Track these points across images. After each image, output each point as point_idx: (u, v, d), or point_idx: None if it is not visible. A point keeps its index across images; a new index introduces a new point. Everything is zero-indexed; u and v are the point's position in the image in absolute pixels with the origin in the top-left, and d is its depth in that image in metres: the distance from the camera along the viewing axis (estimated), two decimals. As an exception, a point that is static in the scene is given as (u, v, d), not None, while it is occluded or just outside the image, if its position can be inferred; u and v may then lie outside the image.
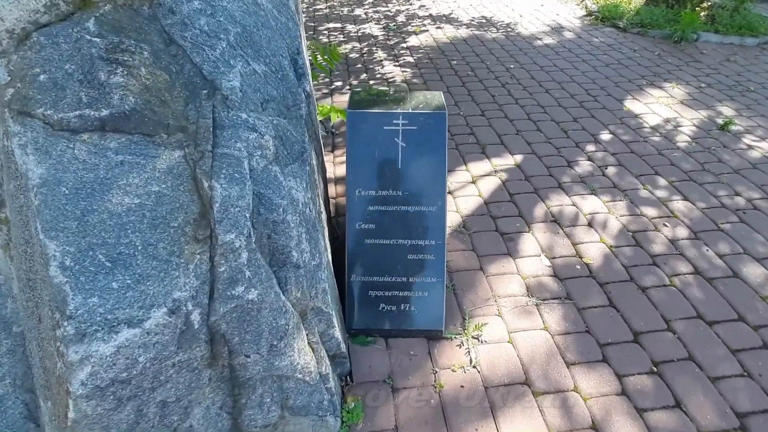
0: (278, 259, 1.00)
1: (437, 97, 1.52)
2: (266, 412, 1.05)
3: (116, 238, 0.80)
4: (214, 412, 0.98)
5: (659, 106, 3.00)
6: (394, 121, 1.41)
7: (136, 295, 0.78)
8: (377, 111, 1.41)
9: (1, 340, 1.04)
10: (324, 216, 1.34)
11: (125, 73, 0.90)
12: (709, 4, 4.49)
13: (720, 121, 2.82)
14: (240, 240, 0.85)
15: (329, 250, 1.34)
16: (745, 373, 1.42)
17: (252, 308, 0.90)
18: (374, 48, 3.96)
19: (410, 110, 1.41)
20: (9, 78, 0.90)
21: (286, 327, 0.98)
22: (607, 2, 4.80)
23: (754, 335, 1.54)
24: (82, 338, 0.74)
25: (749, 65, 3.69)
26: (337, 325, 1.21)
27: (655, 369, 1.43)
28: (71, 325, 0.74)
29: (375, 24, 4.57)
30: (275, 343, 0.97)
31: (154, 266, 0.80)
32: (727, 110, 2.98)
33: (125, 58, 0.92)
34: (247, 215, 0.87)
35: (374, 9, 5.03)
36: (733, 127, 2.76)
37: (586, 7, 4.92)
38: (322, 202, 1.34)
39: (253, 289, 0.88)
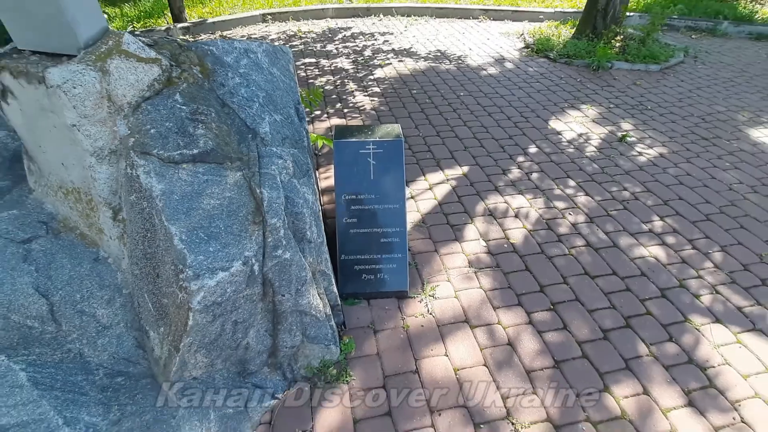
0: (298, 237, 1.59)
1: (396, 128, 2.16)
2: (293, 336, 1.63)
3: (208, 223, 1.38)
4: (262, 334, 1.55)
5: (575, 124, 3.79)
6: (367, 147, 2.05)
7: (224, 254, 1.36)
8: (355, 140, 2.04)
9: (116, 299, 1.58)
10: (320, 214, 1.94)
11: (203, 127, 1.49)
12: (622, 36, 5.45)
13: (620, 134, 3.63)
14: (279, 223, 1.45)
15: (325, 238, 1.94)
16: (611, 306, 2.10)
17: (286, 264, 1.49)
18: (346, 80, 4.63)
19: (377, 139, 2.05)
20: (128, 131, 1.47)
21: (305, 278, 1.57)
22: (541, 37, 5.70)
23: (621, 283, 2.23)
24: (197, 278, 1.30)
25: (651, 88, 4.58)
26: (334, 285, 1.81)
27: (552, 307, 2.09)
28: (191, 270, 1.30)
29: (345, 58, 5.27)
30: (299, 287, 1.56)
31: (232, 238, 1.38)
32: (627, 125, 3.80)
33: (202, 118, 1.51)
34: (282, 209, 1.47)
35: (344, 45, 5.75)
36: (629, 139, 3.56)
37: (524, 41, 5.81)
38: (319, 204, 1.94)
39: (287, 252, 1.47)
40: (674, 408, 1.69)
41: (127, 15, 6.75)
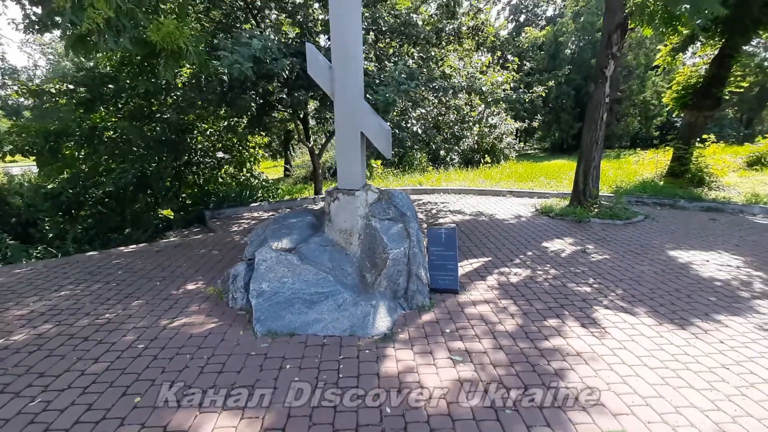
0: (419, 248, 4.45)
1: (453, 226, 5.14)
2: (413, 286, 4.30)
3: (393, 236, 4.32)
4: (404, 280, 4.26)
5: (557, 244, 6.51)
6: (441, 229, 5.01)
7: (398, 245, 4.21)
8: (436, 227, 5.03)
9: (353, 265, 4.44)
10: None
11: (390, 211, 4.61)
12: (597, 206, 8.50)
13: (582, 248, 6.25)
14: (414, 239, 4.33)
15: (424, 260, 4.76)
16: (555, 300, 4.47)
17: (415, 254, 4.29)
18: (420, 224, 7.92)
19: (445, 227, 5.03)
20: (368, 211, 4.62)
21: (420, 263, 4.34)
22: (546, 205, 8.93)
23: (563, 296, 4.61)
24: (391, 250, 4.15)
25: (613, 232, 7.29)
26: (428, 275, 4.52)
27: (526, 300, 4.50)
28: (389, 247, 4.16)
29: (420, 214, 8.73)
30: (418, 265, 4.31)
31: (400, 241, 4.26)
32: (589, 246, 6.43)
33: (390, 208, 4.66)
34: (416, 236, 4.38)
35: (418, 207, 9.36)
36: (588, 251, 6.16)
37: (535, 208, 9.06)
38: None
39: (416, 249, 4.30)
40: (574, 326, 3.95)
41: (288, 190, 11.28)
